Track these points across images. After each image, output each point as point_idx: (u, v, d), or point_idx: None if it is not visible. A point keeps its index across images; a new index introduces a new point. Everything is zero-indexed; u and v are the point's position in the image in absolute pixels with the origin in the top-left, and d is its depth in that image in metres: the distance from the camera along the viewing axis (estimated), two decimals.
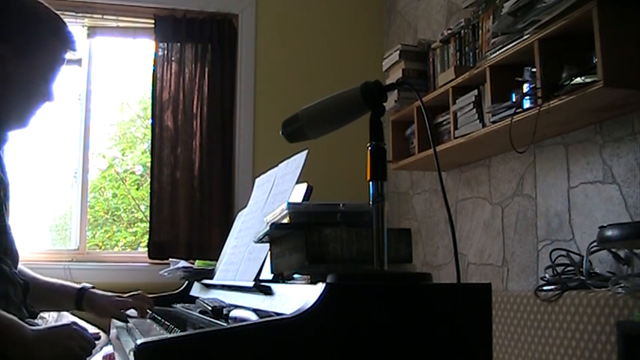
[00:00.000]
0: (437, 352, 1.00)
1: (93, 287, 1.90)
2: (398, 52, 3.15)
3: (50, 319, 2.95)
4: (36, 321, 1.57)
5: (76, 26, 3.71)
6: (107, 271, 3.60)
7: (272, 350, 0.92)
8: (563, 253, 2.19)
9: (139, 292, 1.97)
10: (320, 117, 1.16)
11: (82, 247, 3.71)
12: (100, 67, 3.93)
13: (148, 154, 3.94)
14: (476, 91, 2.56)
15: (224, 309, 1.40)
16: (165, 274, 2.33)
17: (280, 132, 1.18)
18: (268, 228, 1.18)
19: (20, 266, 1.85)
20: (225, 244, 2.09)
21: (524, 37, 2.21)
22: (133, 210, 4.95)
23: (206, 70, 3.78)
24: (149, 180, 3.75)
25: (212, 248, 3.46)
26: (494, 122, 2.39)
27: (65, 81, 3.90)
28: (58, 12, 1.62)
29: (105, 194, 5.11)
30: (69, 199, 4.03)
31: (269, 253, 1.30)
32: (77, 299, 1.86)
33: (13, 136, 1.63)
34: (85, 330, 1.43)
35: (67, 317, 3.02)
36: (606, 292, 1.82)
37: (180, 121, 3.73)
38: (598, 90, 1.89)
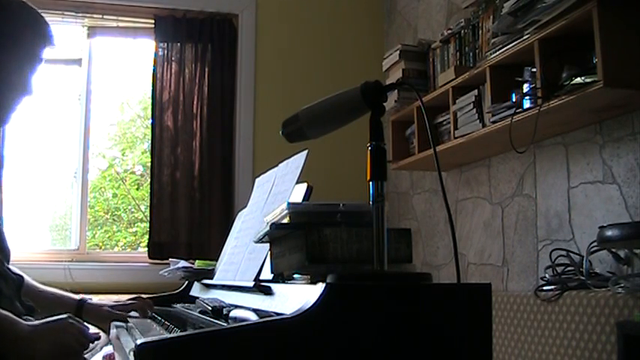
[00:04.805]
0: (437, 352, 1.00)
1: (90, 299, 1.92)
2: (398, 52, 3.15)
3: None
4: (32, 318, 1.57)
5: (76, 26, 3.71)
6: (107, 271, 3.61)
7: (272, 350, 0.92)
8: (563, 253, 2.19)
9: (138, 296, 2.00)
10: (320, 117, 1.16)
11: (82, 247, 3.71)
12: (100, 67, 3.93)
13: (148, 154, 3.93)
14: (476, 91, 2.55)
15: (224, 309, 1.40)
16: (166, 274, 2.33)
17: (280, 132, 1.18)
18: (268, 228, 1.18)
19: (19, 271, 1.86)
20: (225, 244, 2.09)
21: (524, 37, 2.21)
22: (133, 210, 4.95)
23: (206, 70, 3.77)
24: (149, 180, 3.75)
25: (212, 248, 3.46)
26: (494, 122, 2.39)
27: (64, 81, 3.91)
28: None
29: (105, 194, 5.11)
30: (69, 199, 4.03)
31: (269, 253, 1.29)
32: (77, 310, 1.86)
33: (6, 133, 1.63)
34: (82, 324, 1.41)
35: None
36: (606, 292, 1.82)
37: (180, 121, 3.73)
38: (598, 90, 1.89)
